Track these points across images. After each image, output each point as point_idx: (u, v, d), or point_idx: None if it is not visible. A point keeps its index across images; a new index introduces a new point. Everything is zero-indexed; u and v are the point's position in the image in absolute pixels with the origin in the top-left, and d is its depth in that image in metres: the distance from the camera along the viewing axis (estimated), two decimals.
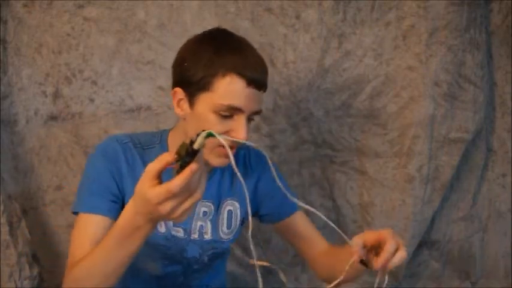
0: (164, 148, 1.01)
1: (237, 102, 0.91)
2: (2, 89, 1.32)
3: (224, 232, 1.07)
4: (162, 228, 1.01)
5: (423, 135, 1.42)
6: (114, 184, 0.96)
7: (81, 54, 1.35)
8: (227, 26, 1.35)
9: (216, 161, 0.96)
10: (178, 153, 0.68)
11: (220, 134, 0.87)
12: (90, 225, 0.92)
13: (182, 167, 0.67)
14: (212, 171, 1.05)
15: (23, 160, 1.36)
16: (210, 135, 0.68)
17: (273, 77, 1.39)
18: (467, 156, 1.53)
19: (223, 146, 0.90)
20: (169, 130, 1.05)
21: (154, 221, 0.74)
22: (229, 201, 1.07)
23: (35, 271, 1.30)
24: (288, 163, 1.45)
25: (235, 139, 0.88)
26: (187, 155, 0.67)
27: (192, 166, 0.67)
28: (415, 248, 1.52)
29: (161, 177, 0.71)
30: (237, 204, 1.08)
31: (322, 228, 1.11)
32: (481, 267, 1.60)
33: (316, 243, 1.11)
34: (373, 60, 1.41)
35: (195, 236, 1.04)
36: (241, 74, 0.90)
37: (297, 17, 1.38)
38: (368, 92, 1.42)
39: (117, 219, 0.78)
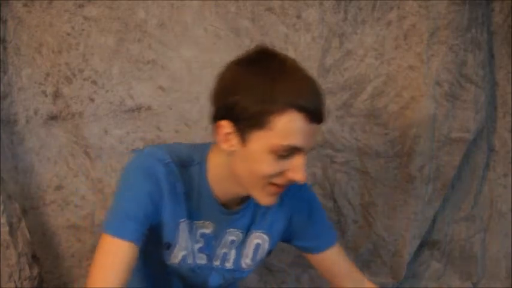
0: (203, 170, 0.92)
1: (297, 141, 0.82)
2: (1, 89, 1.32)
3: (247, 263, 1.03)
4: (189, 259, 0.97)
5: (424, 135, 1.42)
6: (152, 208, 0.88)
7: (81, 54, 1.34)
8: (227, 25, 1.36)
9: (265, 200, 0.89)
10: None
11: (276, 175, 0.85)
12: (119, 252, 0.85)
13: None
14: (247, 203, 0.98)
15: (23, 160, 1.36)
16: None
17: None
18: (468, 156, 1.53)
19: (276, 185, 0.87)
20: (210, 150, 0.94)
21: None
22: (258, 234, 1.01)
23: (35, 271, 1.30)
24: None
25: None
26: None
27: None
28: (416, 248, 1.52)
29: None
30: (265, 237, 1.02)
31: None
32: (482, 268, 1.60)
33: (350, 281, 1.07)
34: (374, 59, 1.40)
35: (217, 263, 1.00)
36: (301, 110, 0.81)
37: (298, 17, 1.38)
38: (369, 91, 1.41)
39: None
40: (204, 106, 1.37)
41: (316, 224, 1.06)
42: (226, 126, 0.85)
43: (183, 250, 0.95)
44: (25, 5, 1.33)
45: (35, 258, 1.31)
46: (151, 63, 1.36)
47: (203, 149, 0.94)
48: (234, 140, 0.86)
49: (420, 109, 1.40)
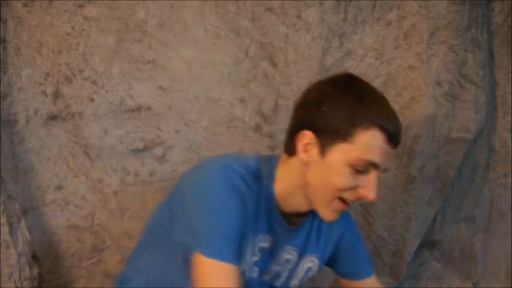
0: (271, 183, 0.94)
1: (376, 158, 0.86)
2: (1, 89, 1.32)
3: (295, 285, 1.04)
4: (247, 273, 0.96)
5: (424, 135, 1.42)
6: (243, 226, 0.88)
7: (81, 54, 1.34)
8: (227, 25, 1.36)
9: (329, 215, 0.91)
10: None
11: (349, 188, 0.87)
12: (226, 276, 0.84)
13: None
14: (305, 221, 1.01)
15: (23, 160, 1.36)
16: None
17: (274, 77, 1.39)
18: (468, 156, 1.52)
19: (343, 201, 0.90)
20: (278, 162, 0.96)
21: None
22: (311, 258, 1.04)
23: (35, 271, 1.30)
24: None
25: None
26: None
27: None
28: (416, 248, 1.52)
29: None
30: (316, 261, 1.04)
31: None
32: (482, 268, 1.60)
33: None
34: (374, 59, 1.40)
35: (268, 277, 1.01)
36: (384, 129, 0.86)
37: (298, 17, 1.38)
38: None
39: None
40: (204, 106, 1.38)
41: (358, 251, 1.11)
42: (308, 136, 0.89)
43: (243, 263, 0.94)
44: (25, 5, 1.33)
45: (35, 258, 1.31)
46: (151, 63, 1.36)
47: (271, 162, 0.96)
48: (314, 151, 0.89)
49: (420, 109, 1.40)
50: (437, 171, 1.46)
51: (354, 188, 0.88)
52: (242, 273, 0.95)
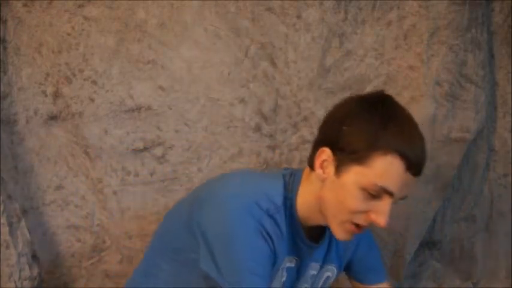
0: (294, 203, 0.93)
1: (391, 185, 0.85)
2: (1, 89, 1.32)
3: None
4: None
5: (424, 134, 1.41)
6: (271, 262, 0.89)
7: (81, 54, 1.34)
8: (227, 25, 1.36)
9: (342, 236, 0.91)
10: None
11: (361, 212, 0.86)
12: None
13: None
14: (325, 236, 1.00)
15: (23, 160, 1.36)
16: None
17: (274, 77, 1.39)
18: (468, 156, 1.52)
19: (356, 225, 0.89)
20: (301, 178, 0.95)
21: None
22: (330, 267, 1.04)
23: (35, 271, 1.30)
24: (289, 163, 1.45)
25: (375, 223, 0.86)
26: None
27: None
28: (416, 248, 1.52)
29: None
30: (335, 270, 1.05)
31: None
32: (482, 268, 1.60)
33: None
34: (374, 59, 1.40)
35: None
36: (403, 156, 0.84)
37: (298, 17, 1.38)
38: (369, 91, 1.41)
39: None
40: (204, 106, 1.38)
41: (374, 257, 1.11)
42: (326, 153, 0.88)
43: (273, 287, 0.94)
44: (25, 5, 1.32)
45: (35, 258, 1.31)
46: (151, 63, 1.36)
47: (295, 178, 0.95)
48: (329, 169, 0.88)
49: (420, 109, 1.40)
50: (437, 171, 1.46)
51: (366, 212, 0.87)
52: None
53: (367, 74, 1.40)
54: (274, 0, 1.37)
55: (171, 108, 1.37)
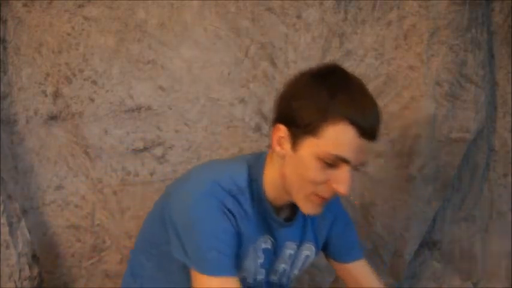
0: (260, 184, 0.94)
1: (345, 153, 0.84)
2: (1, 89, 1.32)
3: (295, 275, 1.05)
4: (251, 277, 0.97)
5: (424, 135, 1.42)
6: (234, 241, 0.89)
7: (81, 54, 1.34)
8: (227, 25, 1.36)
9: (309, 209, 0.91)
10: None
11: (321, 182, 0.86)
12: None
13: None
14: (297, 214, 1.00)
15: (23, 160, 1.36)
16: None
17: (274, 77, 1.39)
18: (468, 156, 1.52)
19: (319, 196, 0.89)
20: (265, 159, 0.96)
21: None
22: (308, 245, 1.04)
23: (35, 271, 1.30)
24: None
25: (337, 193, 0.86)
26: None
27: None
28: (416, 248, 1.52)
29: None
30: (313, 248, 1.05)
31: None
32: (482, 268, 1.60)
33: None
34: (374, 59, 1.40)
35: (275, 277, 1.02)
36: (353, 123, 0.83)
37: (298, 17, 1.38)
38: None
39: None
40: (204, 106, 1.38)
41: (350, 235, 1.11)
42: (281, 130, 0.89)
43: (248, 268, 0.95)
44: (25, 5, 1.33)
45: (35, 258, 1.31)
46: (151, 63, 1.36)
47: (259, 160, 0.96)
48: (286, 145, 0.89)
49: (420, 109, 1.40)
50: (437, 171, 1.46)
51: (326, 182, 0.87)
52: (252, 278, 0.96)
53: (367, 73, 1.40)
54: (274, 0, 1.37)
55: (171, 108, 1.37)
